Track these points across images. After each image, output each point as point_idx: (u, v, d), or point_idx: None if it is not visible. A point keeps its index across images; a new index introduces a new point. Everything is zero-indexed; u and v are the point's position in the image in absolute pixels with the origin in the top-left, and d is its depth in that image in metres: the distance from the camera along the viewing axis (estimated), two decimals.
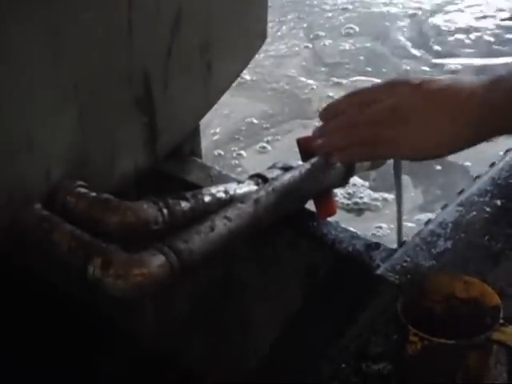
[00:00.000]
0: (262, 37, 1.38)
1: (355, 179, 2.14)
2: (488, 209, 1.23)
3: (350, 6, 2.97)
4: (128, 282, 0.94)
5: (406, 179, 2.23)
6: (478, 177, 1.33)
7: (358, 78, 2.60)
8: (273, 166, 1.24)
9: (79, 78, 1.07)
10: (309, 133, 1.19)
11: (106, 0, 1.07)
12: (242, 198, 1.09)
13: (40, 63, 1.01)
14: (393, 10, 3.01)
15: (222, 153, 2.29)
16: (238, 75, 1.38)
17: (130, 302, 0.98)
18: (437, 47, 2.80)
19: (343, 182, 1.24)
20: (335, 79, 2.61)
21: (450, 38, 2.85)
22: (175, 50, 1.19)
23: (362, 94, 1.10)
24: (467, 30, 2.92)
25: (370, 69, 2.64)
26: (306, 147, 1.22)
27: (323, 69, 2.69)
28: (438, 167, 2.27)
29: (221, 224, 1.03)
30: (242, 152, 2.31)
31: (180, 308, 1.39)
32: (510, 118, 1.01)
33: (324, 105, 1.13)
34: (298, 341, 1.22)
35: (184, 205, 1.05)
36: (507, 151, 1.42)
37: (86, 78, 1.08)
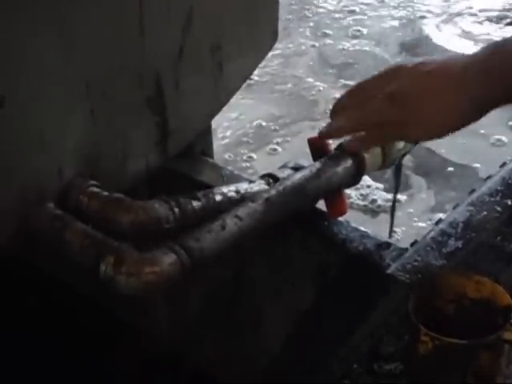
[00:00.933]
0: (273, 37, 1.38)
1: (369, 181, 2.14)
2: (499, 208, 1.23)
3: (357, 9, 2.97)
4: (140, 279, 0.95)
5: (419, 180, 2.23)
6: (488, 177, 1.32)
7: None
8: (284, 166, 1.24)
9: (91, 77, 1.08)
10: (317, 130, 1.20)
11: (117, 0, 1.08)
12: (252, 197, 1.09)
13: (52, 63, 1.02)
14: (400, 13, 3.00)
15: (233, 156, 2.29)
16: (249, 75, 1.38)
17: (142, 299, 0.99)
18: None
19: (354, 181, 1.24)
20: (342, 81, 2.61)
21: (456, 42, 2.84)
22: (187, 49, 1.19)
23: (362, 87, 1.12)
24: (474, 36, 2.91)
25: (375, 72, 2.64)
26: (317, 147, 1.22)
27: (330, 70, 2.69)
28: (451, 169, 2.26)
29: (232, 223, 1.03)
30: (253, 154, 2.31)
31: (192, 307, 1.39)
32: (509, 86, 1.01)
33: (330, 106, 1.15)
34: (309, 340, 1.22)
35: (195, 204, 1.05)
36: None
37: (97, 77, 1.08)
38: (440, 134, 1.07)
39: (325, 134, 1.16)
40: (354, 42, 2.75)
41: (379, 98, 1.07)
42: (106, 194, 1.06)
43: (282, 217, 1.12)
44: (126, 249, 0.98)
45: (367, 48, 2.70)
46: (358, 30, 2.81)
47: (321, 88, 2.58)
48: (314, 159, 1.22)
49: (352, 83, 2.61)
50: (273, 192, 1.11)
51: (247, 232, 1.05)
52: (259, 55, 1.36)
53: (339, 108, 1.13)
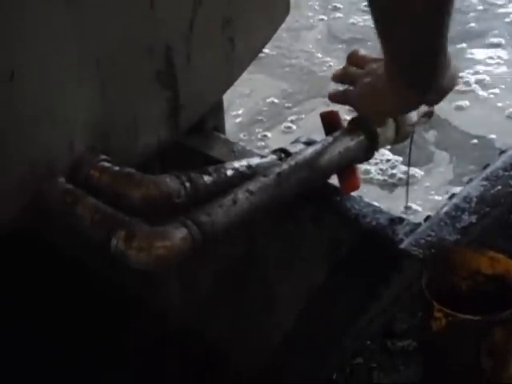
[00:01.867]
0: (285, 11, 1.37)
1: (388, 155, 2.13)
2: None
3: None
4: (151, 254, 0.94)
5: (440, 153, 2.21)
6: (503, 151, 1.31)
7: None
8: (296, 141, 1.23)
9: (101, 50, 1.07)
10: (332, 107, 1.20)
11: None
12: (264, 172, 1.08)
13: (62, 36, 1.01)
14: None
15: (247, 135, 2.28)
16: (261, 50, 1.37)
17: (154, 274, 0.98)
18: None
19: (367, 156, 1.23)
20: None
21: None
22: (197, 23, 1.18)
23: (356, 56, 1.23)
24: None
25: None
26: (329, 121, 1.22)
27: (340, 46, 2.67)
28: (474, 141, 2.24)
29: (243, 197, 1.02)
30: (267, 133, 2.29)
31: (204, 284, 1.39)
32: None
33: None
34: (321, 316, 1.22)
35: (206, 179, 1.05)
36: None
37: (108, 51, 1.08)
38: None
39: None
40: (366, 17, 2.72)
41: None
42: (116, 168, 1.05)
43: (294, 192, 1.12)
44: (137, 223, 0.97)
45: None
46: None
47: (331, 63, 2.56)
48: (327, 133, 1.21)
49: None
50: (284, 166, 1.10)
51: (259, 206, 1.04)
52: (271, 28, 1.35)
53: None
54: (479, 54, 2.63)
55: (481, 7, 2.89)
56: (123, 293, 1.36)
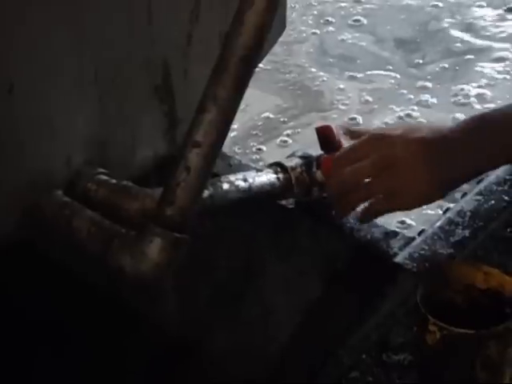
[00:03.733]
0: (281, 26, 1.38)
1: None
2: (507, 198, 1.23)
3: None
4: (147, 264, 0.95)
5: None
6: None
7: (373, 72, 2.58)
8: (292, 155, 1.24)
9: (100, 65, 1.08)
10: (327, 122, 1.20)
11: None
12: None
13: (61, 50, 1.02)
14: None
15: (242, 148, 2.28)
16: (259, 62, 1.38)
17: (152, 285, 0.99)
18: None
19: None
20: (347, 73, 2.59)
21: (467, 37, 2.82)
22: (195, 38, 1.19)
23: (347, 156, 1.15)
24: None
25: (380, 62, 2.62)
26: (325, 135, 1.22)
27: (331, 60, 2.68)
28: None
29: (193, 157, 0.93)
30: (262, 147, 2.30)
31: (202, 296, 1.40)
32: (496, 149, 1.07)
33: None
34: (317, 329, 1.23)
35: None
36: None
37: (106, 65, 1.08)
38: (421, 205, 1.13)
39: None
40: (356, 34, 2.74)
41: (365, 165, 1.11)
42: (113, 181, 1.06)
43: None
44: (133, 236, 0.97)
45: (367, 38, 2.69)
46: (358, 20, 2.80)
47: (325, 78, 2.58)
48: (322, 148, 1.22)
49: (360, 75, 2.59)
50: None
51: (213, 154, 0.95)
52: (268, 44, 1.36)
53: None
54: (486, 67, 2.62)
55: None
56: (120, 305, 1.36)
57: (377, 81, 2.50)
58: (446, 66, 2.60)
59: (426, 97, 2.42)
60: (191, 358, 1.37)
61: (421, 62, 2.61)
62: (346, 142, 1.19)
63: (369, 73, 2.57)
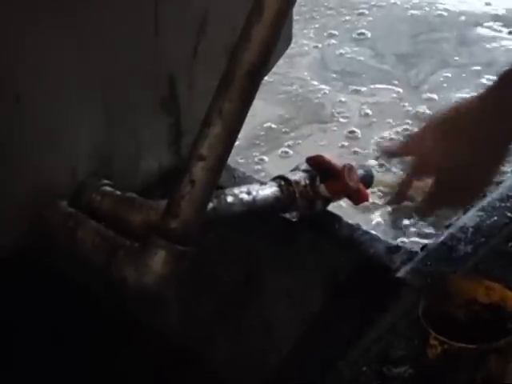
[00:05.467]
0: (287, 40, 1.39)
1: None
2: (509, 214, 1.23)
3: (367, 11, 2.96)
4: (151, 276, 0.95)
5: None
6: (500, 182, 1.33)
7: (375, 86, 2.59)
8: (296, 168, 1.25)
9: (105, 78, 1.08)
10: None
11: (132, 1, 1.08)
12: None
13: (66, 63, 1.03)
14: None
15: (244, 158, 2.29)
16: (265, 75, 1.38)
17: (154, 296, 0.99)
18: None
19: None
20: (351, 86, 2.61)
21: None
22: (201, 51, 1.20)
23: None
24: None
25: (381, 75, 2.63)
26: (316, 165, 1.23)
27: (334, 75, 2.69)
28: None
29: (198, 170, 0.93)
30: (264, 157, 2.31)
31: (204, 309, 1.40)
32: None
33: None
34: (319, 341, 1.23)
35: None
36: None
37: (112, 78, 1.09)
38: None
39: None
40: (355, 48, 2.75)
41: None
42: (118, 193, 1.07)
43: None
44: (137, 248, 0.98)
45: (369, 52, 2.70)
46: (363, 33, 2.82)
47: (326, 91, 2.59)
48: (320, 175, 1.22)
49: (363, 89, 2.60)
50: None
51: (218, 170, 0.95)
52: (274, 57, 1.36)
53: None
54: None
55: None
56: (122, 316, 1.36)
57: (378, 94, 2.52)
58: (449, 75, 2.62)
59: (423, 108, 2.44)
60: (192, 368, 1.38)
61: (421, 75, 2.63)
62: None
63: (372, 86, 2.58)
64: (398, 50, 2.75)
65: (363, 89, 2.55)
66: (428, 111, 2.37)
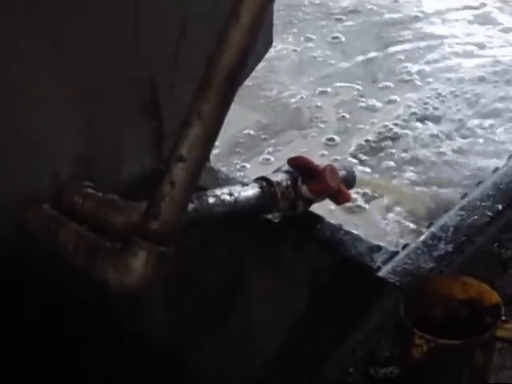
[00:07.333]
0: (268, 43, 1.39)
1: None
2: (490, 213, 1.24)
3: (344, 17, 2.97)
4: (132, 277, 0.95)
5: None
6: (480, 182, 1.34)
7: (341, 84, 2.61)
8: (278, 170, 1.25)
9: (85, 81, 1.08)
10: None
11: (112, 6, 1.09)
12: None
13: (48, 67, 1.03)
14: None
15: (226, 166, 2.29)
16: (245, 79, 1.39)
17: (137, 299, 0.99)
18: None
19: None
20: (320, 88, 2.62)
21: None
22: (182, 53, 1.20)
23: None
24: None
25: (359, 79, 2.65)
26: (298, 166, 1.23)
27: (311, 79, 2.71)
28: None
29: (178, 171, 0.94)
30: (246, 164, 2.32)
31: (187, 311, 1.40)
32: None
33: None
34: (304, 343, 1.23)
35: (188, 205, 1.06)
36: (510, 157, 1.43)
37: (92, 81, 1.09)
38: None
39: None
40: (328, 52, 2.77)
41: None
42: (99, 195, 1.07)
43: None
44: (118, 249, 0.98)
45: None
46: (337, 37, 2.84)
47: (303, 96, 2.60)
48: (301, 176, 1.23)
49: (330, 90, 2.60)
50: None
51: (198, 171, 0.96)
52: (254, 61, 1.37)
53: None
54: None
55: None
56: (106, 319, 1.36)
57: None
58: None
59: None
60: (176, 373, 1.37)
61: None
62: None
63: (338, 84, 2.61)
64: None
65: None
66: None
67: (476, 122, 2.32)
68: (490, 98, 2.46)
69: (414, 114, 2.37)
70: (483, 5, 2.98)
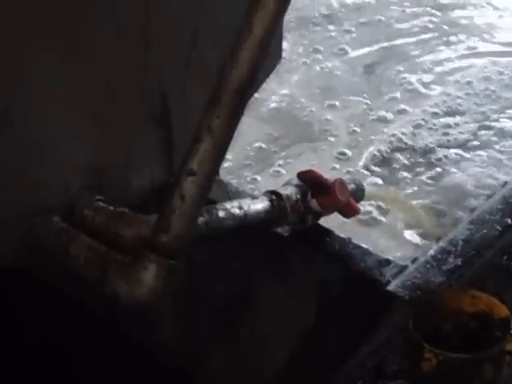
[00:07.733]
0: (278, 57, 1.40)
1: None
2: (499, 227, 1.24)
3: (353, 29, 2.98)
4: (142, 290, 0.96)
5: None
6: (490, 196, 1.34)
7: (352, 98, 2.62)
8: (287, 183, 1.25)
9: (96, 92, 1.09)
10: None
11: (122, 19, 1.09)
12: None
13: (57, 78, 1.04)
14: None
15: (237, 179, 2.29)
16: (254, 93, 1.39)
17: (147, 311, 0.99)
18: None
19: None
20: (329, 101, 2.62)
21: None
22: (193, 62, 1.20)
23: None
24: None
25: (365, 91, 2.66)
26: (308, 179, 1.24)
27: (318, 91, 2.71)
28: None
29: (188, 185, 0.95)
30: (257, 176, 2.32)
31: (198, 324, 1.40)
32: None
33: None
34: (312, 356, 1.23)
35: (198, 219, 1.06)
36: None
37: (102, 91, 1.10)
38: None
39: None
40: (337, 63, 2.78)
41: None
42: (110, 208, 1.07)
43: None
44: (128, 262, 0.98)
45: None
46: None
47: (313, 109, 2.60)
48: (311, 189, 1.23)
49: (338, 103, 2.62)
50: None
51: (209, 185, 0.97)
52: (264, 74, 1.38)
53: None
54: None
55: None
56: (116, 332, 1.36)
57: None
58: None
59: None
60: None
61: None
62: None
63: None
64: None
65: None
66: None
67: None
68: None
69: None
70: None
